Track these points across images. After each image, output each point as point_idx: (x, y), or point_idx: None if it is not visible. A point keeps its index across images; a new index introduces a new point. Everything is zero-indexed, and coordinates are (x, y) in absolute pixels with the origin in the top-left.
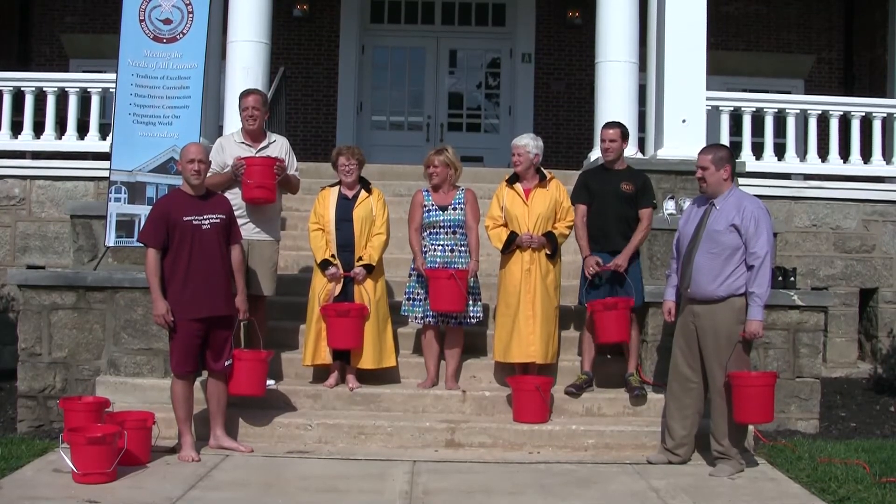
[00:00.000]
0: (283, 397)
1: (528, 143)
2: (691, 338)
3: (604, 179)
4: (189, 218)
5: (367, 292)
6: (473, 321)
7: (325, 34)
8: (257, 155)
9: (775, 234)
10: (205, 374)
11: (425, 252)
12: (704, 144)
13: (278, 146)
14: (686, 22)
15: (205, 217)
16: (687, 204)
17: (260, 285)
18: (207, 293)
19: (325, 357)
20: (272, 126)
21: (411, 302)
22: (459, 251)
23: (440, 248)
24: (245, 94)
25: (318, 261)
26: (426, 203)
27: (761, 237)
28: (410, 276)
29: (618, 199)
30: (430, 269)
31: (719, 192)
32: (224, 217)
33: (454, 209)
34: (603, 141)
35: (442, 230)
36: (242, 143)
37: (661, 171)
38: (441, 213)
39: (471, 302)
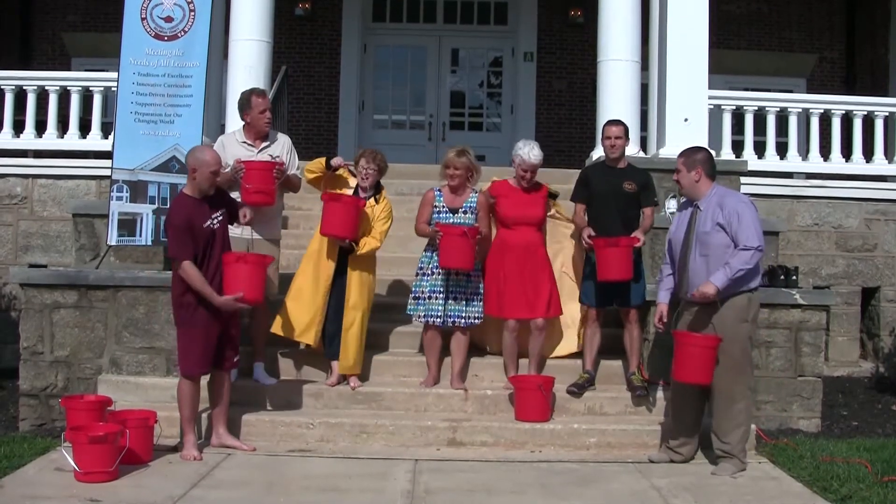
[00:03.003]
0: (285, 396)
1: (541, 157)
2: None
3: (606, 178)
4: (207, 224)
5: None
6: (477, 321)
7: (327, 33)
8: (259, 154)
9: (777, 233)
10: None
11: (430, 254)
12: (707, 143)
13: (280, 145)
14: (688, 21)
15: (213, 218)
16: None
17: None
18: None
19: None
20: (274, 125)
21: (417, 301)
22: None
23: None
24: (257, 95)
25: (324, 163)
26: (437, 204)
27: (748, 229)
28: (417, 274)
29: (620, 199)
30: (443, 225)
31: (696, 193)
32: (224, 211)
33: (465, 212)
34: (608, 138)
35: None
36: (244, 142)
37: (664, 170)
38: (451, 215)
39: (475, 302)
